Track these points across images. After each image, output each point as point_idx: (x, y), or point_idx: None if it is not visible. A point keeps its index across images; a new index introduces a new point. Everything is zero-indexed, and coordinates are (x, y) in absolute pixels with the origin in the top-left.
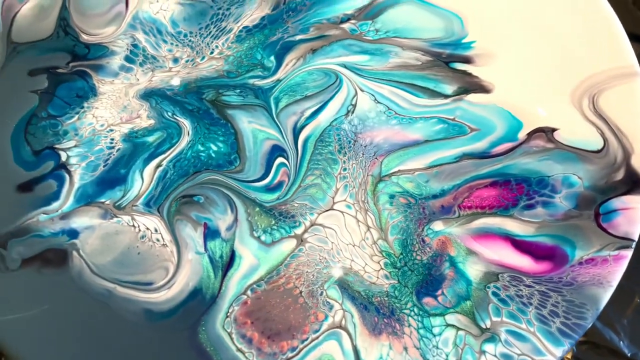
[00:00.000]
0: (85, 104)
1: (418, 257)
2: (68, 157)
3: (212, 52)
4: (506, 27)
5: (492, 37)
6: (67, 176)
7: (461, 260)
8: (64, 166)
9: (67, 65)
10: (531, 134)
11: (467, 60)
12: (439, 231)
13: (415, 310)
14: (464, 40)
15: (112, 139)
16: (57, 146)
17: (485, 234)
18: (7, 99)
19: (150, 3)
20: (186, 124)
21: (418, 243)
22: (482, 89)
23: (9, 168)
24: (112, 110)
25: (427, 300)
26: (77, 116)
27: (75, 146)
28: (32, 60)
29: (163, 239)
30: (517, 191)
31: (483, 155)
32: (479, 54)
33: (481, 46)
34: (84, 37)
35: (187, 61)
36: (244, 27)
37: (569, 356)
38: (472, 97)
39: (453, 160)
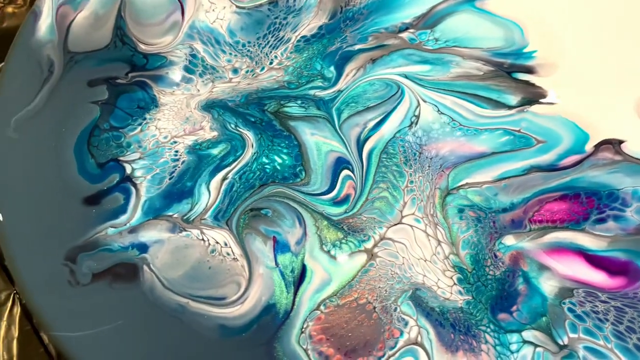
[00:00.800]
0: (147, 116)
1: (491, 273)
2: (133, 169)
3: (271, 63)
4: (567, 36)
5: (553, 47)
6: (133, 189)
7: (535, 276)
8: (129, 179)
9: (127, 75)
10: (598, 146)
11: (529, 71)
12: (511, 246)
13: (491, 326)
14: (525, 50)
15: (177, 151)
16: (121, 158)
17: (558, 249)
18: (68, 110)
19: (206, 12)
20: (250, 135)
21: (490, 258)
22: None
23: (73, 180)
24: (174, 122)
25: (503, 316)
26: (139, 128)
27: (139, 158)
28: (91, 70)
29: (233, 252)
30: (587, 205)
31: (551, 168)
32: (541, 64)
33: (543, 56)
34: (142, 47)
35: (246, 72)
36: (302, 37)
37: None
38: (537, 108)
39: (521, 173)
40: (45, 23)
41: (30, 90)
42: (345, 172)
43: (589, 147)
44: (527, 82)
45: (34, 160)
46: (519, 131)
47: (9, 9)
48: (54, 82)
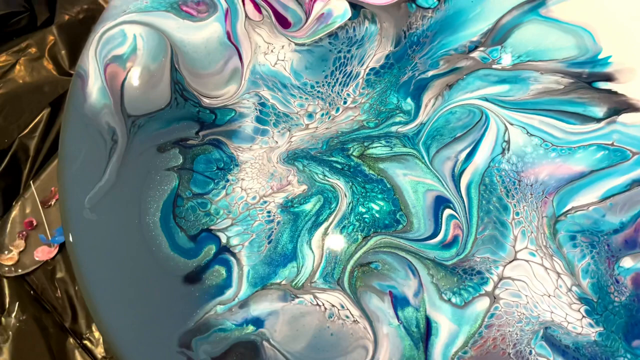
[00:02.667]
0: (230, 177)
1: (617, 299)
2: (228, 238)
3: (345, 102)
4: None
5: (627, 49)
6: (233, 260)
7: None
8: (226, 249)
9: (197, 135)
10: None
11: (608, 78)
12: (630, 268)
13: (629, 355)
14: (599, 56)
15: (269, 212)
16: (213, 227)
17: None
18: (143, 181)
19: (265, 54)
20: (340, 184)
21: (613, 284)
22: (632, 107)
23: (168, 258)
24: (259, 180)
25: (637, 342)
26: (224, 191)
27: (232, 225)
28: (157, 134)
29: (352, 315)
30: None
31: None
32: (619, 70)
33: (619, 61)
34: (206, 101)
35: (322, 115)
36: (370, 70)
37: None
38: (625, 118)
39: (624, 189)
40: (95, 86)
41: (97, 164)
42: (448, 211)
43: None
44: (609, 91)
45: (121, 242)
46: (612, 144)
47: (23, 61)
48: (121, 152)
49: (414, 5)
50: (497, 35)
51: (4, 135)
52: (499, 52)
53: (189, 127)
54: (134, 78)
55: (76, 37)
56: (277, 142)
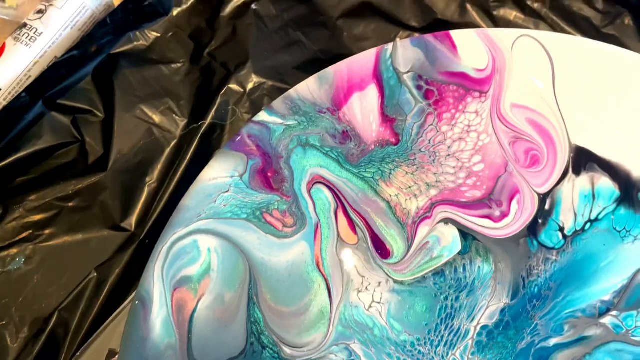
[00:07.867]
0: None
1: None
2: None
3: None
4: None
5: None
6: None
7: None
8: None
9: None
10: None
11: None
12: None
13: None
14: None
15: None
16: None
17: None
18: None
19: (358, 292)
20: None
21: None
22: None
23: None
24: None
25: None
26: None
27: None
28: None
29: None
30: None
31: None
32: None
33: None
34: (287, 352)
35: None
36: (482, 328)
37: None
38: None
39: None
40: (159, 317)
41: None
42: None
43: None
44: None
45: None
46: None
47: (67, 210)
48: None
49: (535, 243)
50: (633, 296)
51: (42, 297)
52: (634, 319)
53: None
54: (205, 310)
55: (130, 184)
56: None
